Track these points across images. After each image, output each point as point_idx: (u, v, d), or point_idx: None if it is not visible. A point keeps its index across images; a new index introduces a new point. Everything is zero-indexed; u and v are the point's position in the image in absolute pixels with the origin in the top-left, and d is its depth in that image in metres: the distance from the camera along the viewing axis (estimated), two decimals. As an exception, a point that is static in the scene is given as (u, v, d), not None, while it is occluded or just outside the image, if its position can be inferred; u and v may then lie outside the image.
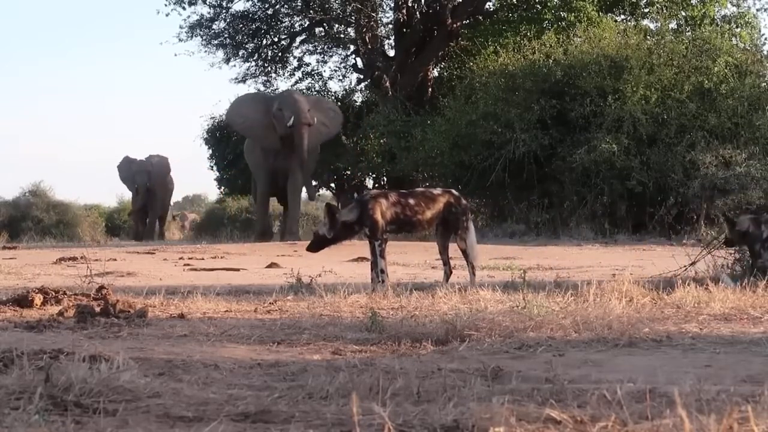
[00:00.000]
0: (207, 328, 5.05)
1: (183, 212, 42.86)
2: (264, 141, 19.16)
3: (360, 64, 27.58)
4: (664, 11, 23.53)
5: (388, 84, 25.61)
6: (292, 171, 19.04)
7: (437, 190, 7.92)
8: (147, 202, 24.86)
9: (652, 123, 18.83)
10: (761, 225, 7.31)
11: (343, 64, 28.35)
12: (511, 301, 5.79)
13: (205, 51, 27.16)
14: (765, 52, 22.62)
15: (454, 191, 7.96)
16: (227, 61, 27.37)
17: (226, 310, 6.00)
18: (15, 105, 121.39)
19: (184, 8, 26.58)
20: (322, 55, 28.23)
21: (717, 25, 23.54)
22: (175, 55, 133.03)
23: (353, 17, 25.97)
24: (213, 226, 26.53)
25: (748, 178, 17.48)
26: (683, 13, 24.35)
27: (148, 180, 24.41)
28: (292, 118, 18.31)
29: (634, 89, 18.97)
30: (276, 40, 27.81)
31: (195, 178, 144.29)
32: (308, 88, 27.02)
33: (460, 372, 3.52)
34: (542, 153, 19.43)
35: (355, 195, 7.15)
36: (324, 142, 20.03)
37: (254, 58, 27.46)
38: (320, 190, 27.34)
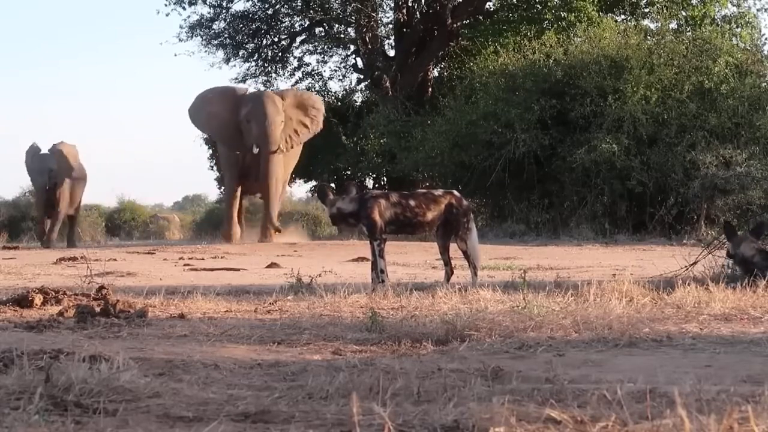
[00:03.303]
0: (207, 328, 5.04)
1: (157, 215, 38.10)
2: (231, 144, 17.84)
3: (360, 64, 27.62)
4: (665, 11, 23.55)
5: (388, 84, 25.63)
6: (264, 170, 17.61)
7: (438, 191, 7.91)
8: (51, 201, 19.93)
9: (653, 123, 18.84)
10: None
11: (343, 64, 28.41)
12: (511, 301, 5.79)
13: (205, 51, 27.24)
14: (765, 52, 22.65)
15: (455, 192, 7.95)
16: (227, 61, 27.42)
17: (226, 310, 6.00)
18: (15, 106, 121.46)
19: (184, 8, 26.67)
20: (322, 55, 28.29)
21: (717, 25, 23.57)
22: (175, 55, 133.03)
23: (353, 17, 25.99)
24: (213, 226, 26.53)
25: (748, 178, 17.49)
26: (683, 13, 24.37)
27: (48, 180, 19.68)
28: (259, 148, 17.16)
29: (635, 89, 18.98)
30: (276, 40, 27.85)
31: (195, 178, 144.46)
32: (308, 88, 27.02)
33: (460, 372, 3.52)
34: (542, 153, 19.44)
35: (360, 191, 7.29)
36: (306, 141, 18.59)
37: (254, 58, 27.50)
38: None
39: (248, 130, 17.30)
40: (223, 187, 28.60)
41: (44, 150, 19.89)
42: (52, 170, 19.59)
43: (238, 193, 18.48)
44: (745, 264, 7.10)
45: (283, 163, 18.09)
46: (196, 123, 18.51)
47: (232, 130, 17.60)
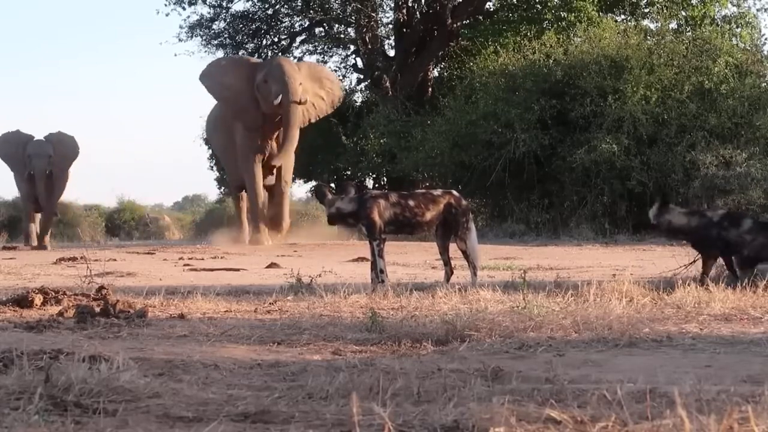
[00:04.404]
0: (207, 328, 5.05)
1: (148, 215, 36.57)
2: (246, 117, 16.77)
3: (360, 64, 27.61)
4: (665, 11, 23.53)
5: (388, 84, 25.62)
6: (286, 120, 16.46)
7: (437, 191, 7.92)
8: (42, 194, 19.14)
9: (653, 123, 18.84)
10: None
11: (343, 64, 28.39)
12: (511, 301, 5.80)
13: (205, 51, 27.25)
14: (765, 52, 22.64)
15: (454, 192, 7.95)
16: (227, 61, 27.32)
17: (226, 310, 6.00)
18: (15, 106, 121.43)
19: (184, 8, 26.66)
20: (322, 55, 28.27)
21: (717, 25, 23.55)
22: (175, 55, 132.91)
23: (353, 17, 25.98)
24: (213, 226, 26.53)
25: (748, 179, 17.48)
26: (683, 13, 24.35)
27: (49, 166, 18.91)
28: (281, 96, 16.04)
29: (635, 89, 18.98)
30: (276, 40, 27.84)
31: (195, 178, 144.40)
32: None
33: (460, 372, 3.52)
34: (542, 153, 19.44)
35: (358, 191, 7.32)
36: (322, 117, 17.77)
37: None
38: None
39: (266, 90, 16.31)
40: (223, 188, 28.62)
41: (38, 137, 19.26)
42: (51, 156, 18.97)
43: (261, 183, 17.07)
44: (674, 233, 7.28)
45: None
46: (209, 89, 17.28)
47: (246, 101, 16.69)
